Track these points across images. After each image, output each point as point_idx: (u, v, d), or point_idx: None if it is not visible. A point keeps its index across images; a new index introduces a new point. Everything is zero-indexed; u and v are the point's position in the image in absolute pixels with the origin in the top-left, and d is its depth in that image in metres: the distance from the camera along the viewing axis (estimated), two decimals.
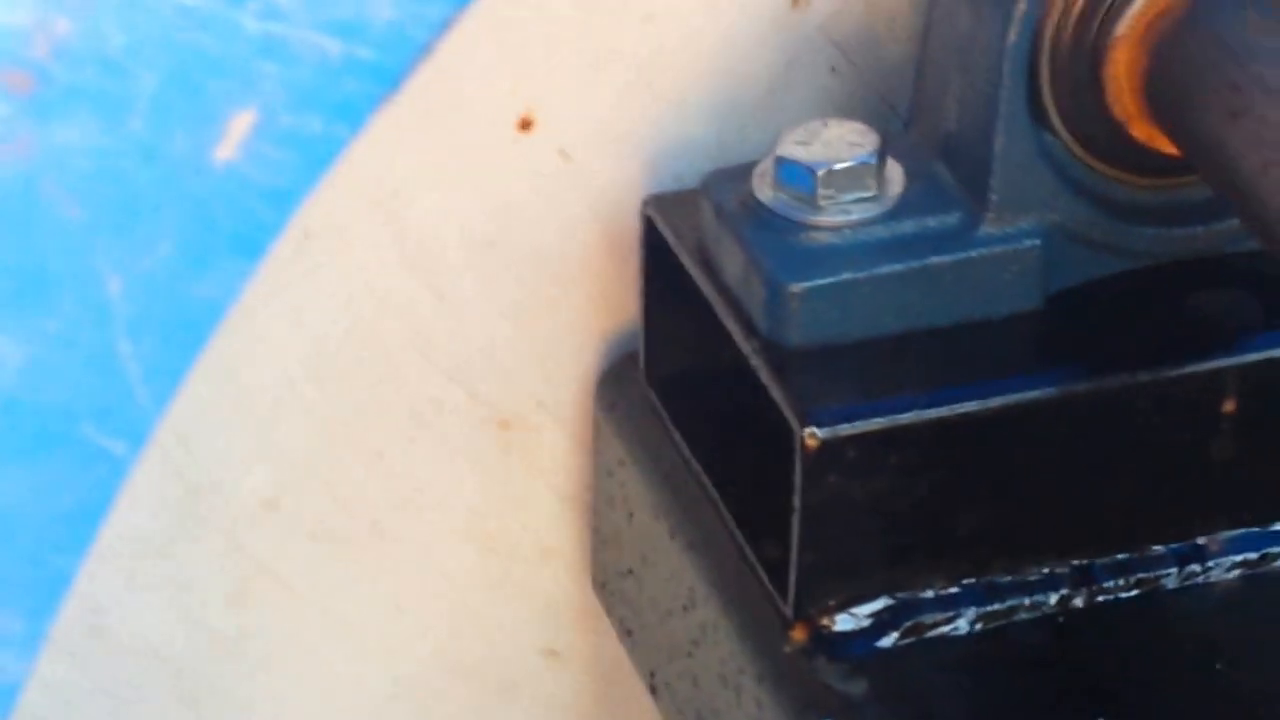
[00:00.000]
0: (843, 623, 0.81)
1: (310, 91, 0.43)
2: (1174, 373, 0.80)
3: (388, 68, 0.45)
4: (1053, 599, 0.82)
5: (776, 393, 0.78)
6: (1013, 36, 0.79)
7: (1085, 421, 0.81)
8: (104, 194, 0.40)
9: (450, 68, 0.87)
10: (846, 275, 0.79)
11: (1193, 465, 0.82)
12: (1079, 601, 0.82)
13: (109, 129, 0.40)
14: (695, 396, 0.91)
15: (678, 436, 0.89)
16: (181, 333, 0.42)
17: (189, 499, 0.92)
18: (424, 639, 1.02)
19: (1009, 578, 0.82)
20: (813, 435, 0.75)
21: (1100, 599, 0.83)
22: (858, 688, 0.79)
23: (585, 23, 0.89)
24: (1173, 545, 0.83)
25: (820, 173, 0.79)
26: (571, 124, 0.91)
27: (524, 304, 0.96)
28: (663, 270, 0.88)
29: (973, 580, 0.82)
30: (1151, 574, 0.83)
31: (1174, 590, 0.83)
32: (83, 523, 0.43)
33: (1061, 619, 0.82)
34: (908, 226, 0.80)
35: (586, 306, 0.96)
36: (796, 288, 0.78)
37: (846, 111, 0.89)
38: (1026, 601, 0.82)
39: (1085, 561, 0.83)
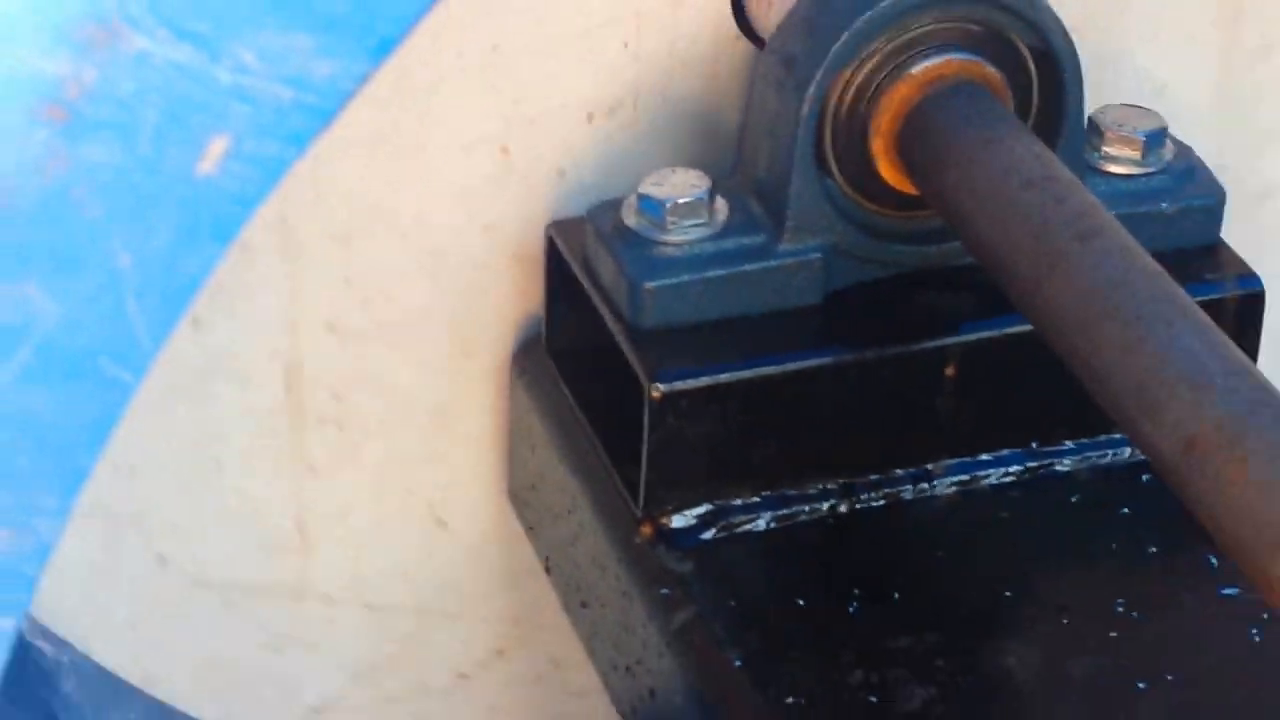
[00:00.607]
0: (676, 522, 0.79)
1: (268, 125, 0.41)
2: (911, 348, 0.80)
3: (325, 109, 0.41)
4: (825, 506, 0.80)
5: (634, 360, 0.78)
6: (804, 113, 0.76)
7: (848, 381, 0.79)
8: (119, 196, 0.42)
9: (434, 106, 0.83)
10: (685, 278, 0.78)
11: (923, 413, 0.80)
12: (843, 509, 0.80)
13: (122, 150, 0.42)
14: (581, 364, 0.86)
15: (567, 391, 0.86)
16: (174, 296, 0.42)
17: None
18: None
19: (794, 491, 0.80)
20: (657, 389, 0.75)
21: (858, 506, 0.80)
22: (686, 567, 0.78)
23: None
24: (909, 469, 0.81)
25: (668, 205, 0.77)
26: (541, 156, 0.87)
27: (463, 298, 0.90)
28: (560, 274, 0.85)
29: (769, 492, 0.79)
30: (894, 490, 0.81)
31: (910, 501, 0.81)
32: (99, 431, 0.42)
33: (831, 520, 0.79)
34: (729, 244, 0.79)
35: (507, 299, 0.89)
36: (649, 286, 0.77)
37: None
38: (806, 509, 0.79)
39: (848, 480, 0.80)
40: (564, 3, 0.81)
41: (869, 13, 0.70)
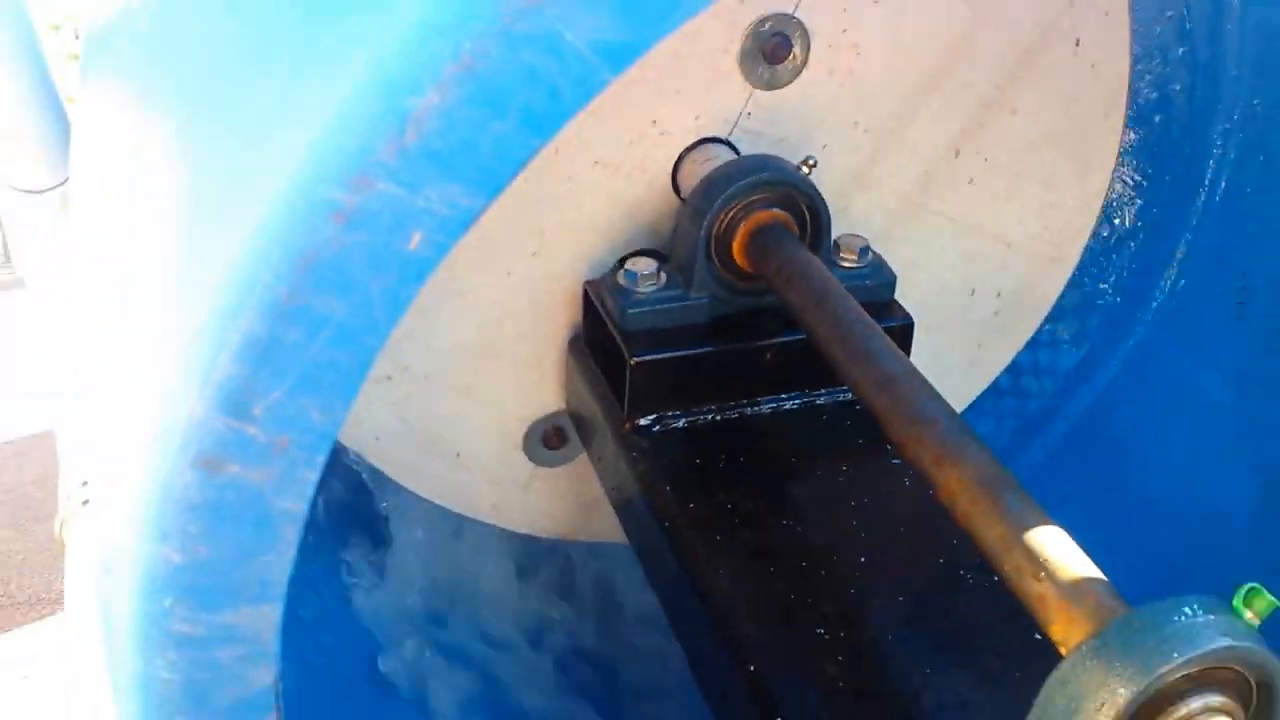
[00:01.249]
0: (642, 422, 1.10)
1: (439, 227, 0.55)
2: (750, 344, 1.11)
3: (465, 221, 0.55)
4: (708, 416, 1.11)
5: (621, 346, 1.08)
6: (702, 232, 1.08)
7: (719, 359, 1.10)
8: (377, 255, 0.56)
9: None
10: (645, 308, 1.09)
11: (754, 374, 1.11)
12: (717, 417, 1.11)
13: (375, 236, 0.55)
14: (599, 349, 1.14)
15: (592, 363, 1.16)
16: (397, 302, 0.57)
17: None
18: None
19: (695, 408, 1.11)
20: (632, 361, 1.07)
21: (722, 416, 1.11)
22: (645, 443, 1.09)
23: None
24: (747, 400, 1.12)
25: (638, 274, 1.11)
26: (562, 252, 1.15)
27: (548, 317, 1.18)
28: (589, 305, 1.14)
29: (683, 410, 1.10)
30: (740, 409, 1.11)
31: (747, 415, 1.12)
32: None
33: (711, 422, 1.11)
34: (665, 293, 1.10)
35: (564, 317, 1.18)
36: (629, 311, 1.09)
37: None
38: (700, 417, 1.11)
39: (719, 404, 1.11)
40: (598, 194, 1.11)
41: (730, 189, 1.04)
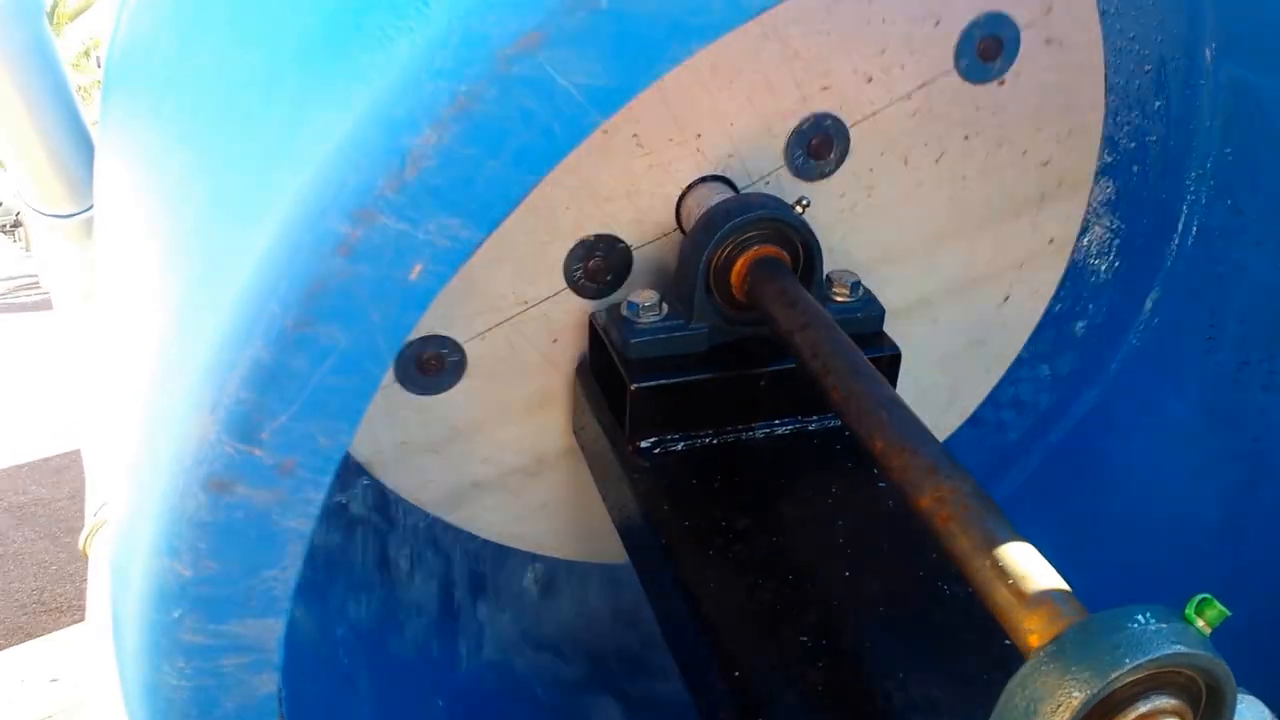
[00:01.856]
0: (642, 444, 1.09)
1: (438, 258, 0.54)
2: (745, 371, 1.09)
3: (463, 252, 0.54)
4: (705, 440, 1.09)
5: (623, 372, 1.07)
6: (702, 265, 1.05)
7: (716, 386, 1.08)
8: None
9: None
10: (646, 338, 1.08)
11: (749, 400, 1.10)
12: (714, 441, 1.10)
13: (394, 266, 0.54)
14: (603, 375, 1.14)
15: (595, 387, 1.15)
16: (399, 329, 0.56)
17: None
18: None
19: (692, 432, 1.09)
20: (633, 387, 1.06)
21: (718, 440, 1.10)
22: (645, 464, 1.08)
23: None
24: (742, 425, 1.11)
25: (640, 305, 1.10)
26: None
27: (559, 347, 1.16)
28: (594, 335, 1.14)
29: (681, 433, 1.08)
30: (736, 434, 1.10)
31: (743, 439, 1.10)
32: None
33: (708, 445, 1.09)
34: (667, 323, 1.09)
35: (574, 346, 1.17)
36: (631, 341, 1.08)
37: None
38: (697, 440, 1.09)
39: (715, 429, 1.10)
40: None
41: (727, 226, 1.03)
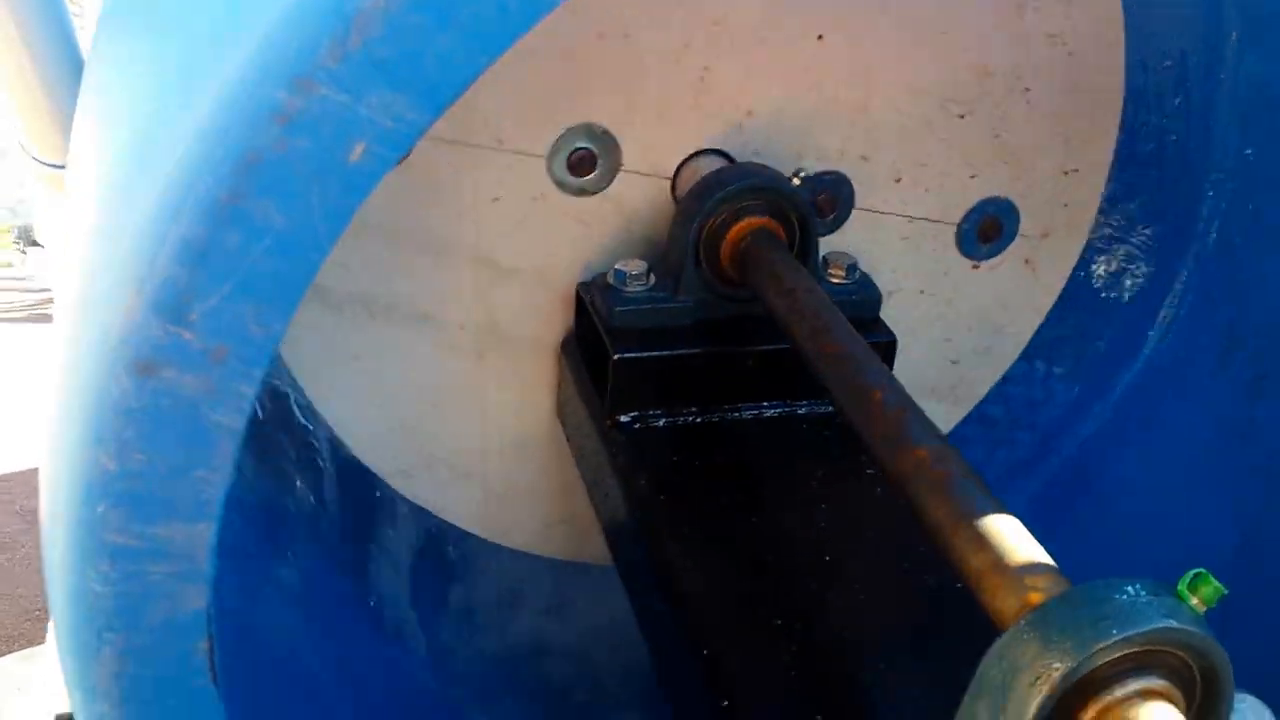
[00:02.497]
0: (622, 419, 1.06)
1: (382, 139, 0.53)
2: (732, 349, 1.07)
3: (411, 134, 0.53)
4: (688, 418, 1.07)
5: (607, 342, 1.05)
6: (691, 236, 1.04)
7: (701, 361, 1.06)
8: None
9: None
10: (632, 307, 1.07)
11: (736, 380, 1.07)
12: (698, 419, 1.07)
13: (319, 145, 0.53)
14: (587, 345, 1.13)
15: (578, 358, 1.13)
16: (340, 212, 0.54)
17: None
18: None
19: (676, 408, 1.07)
20: (615, 357, 1.04)
21: (703, 419, 1.07)
22: (623, 438, 1.05)
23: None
24: (729, 405, 1.08)
25: (627, 274, 1.08)
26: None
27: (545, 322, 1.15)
28: (580, 306, 1.12)
29: (664, 409, 1.06)
30: (722, 414, 1.08)
31: (729, 420, 1.08)
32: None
33: (691, 423, 1.07)
34: (653, 294, 1.08)
35: (560, 319, 1.16)
36: (617, 309, 1.07)
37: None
38: (680, 418, 1.07)
39: (700, 407, 1.07)
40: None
41: (721, 193, 1.02)
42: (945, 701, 0.77)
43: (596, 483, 1.07)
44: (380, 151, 0.55)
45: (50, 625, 1.43)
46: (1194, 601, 0.61)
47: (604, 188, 1.09)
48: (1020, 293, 1.29)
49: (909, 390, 0.83)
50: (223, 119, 0.54)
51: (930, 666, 0.81)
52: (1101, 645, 0.57)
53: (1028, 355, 1.33)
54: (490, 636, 1.25)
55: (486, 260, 1.10)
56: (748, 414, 1.08)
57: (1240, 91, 1.14)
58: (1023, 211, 1.24)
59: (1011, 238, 1.25)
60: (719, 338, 1.07)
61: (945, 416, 1.34)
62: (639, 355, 1.04)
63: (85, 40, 1.22)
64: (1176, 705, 0.59)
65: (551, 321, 1.15)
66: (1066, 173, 1.23)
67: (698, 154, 1.10)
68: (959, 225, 1.22)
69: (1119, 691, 0.58)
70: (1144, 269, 1.29)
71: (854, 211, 1.16)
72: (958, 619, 0.85)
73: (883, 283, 1.16)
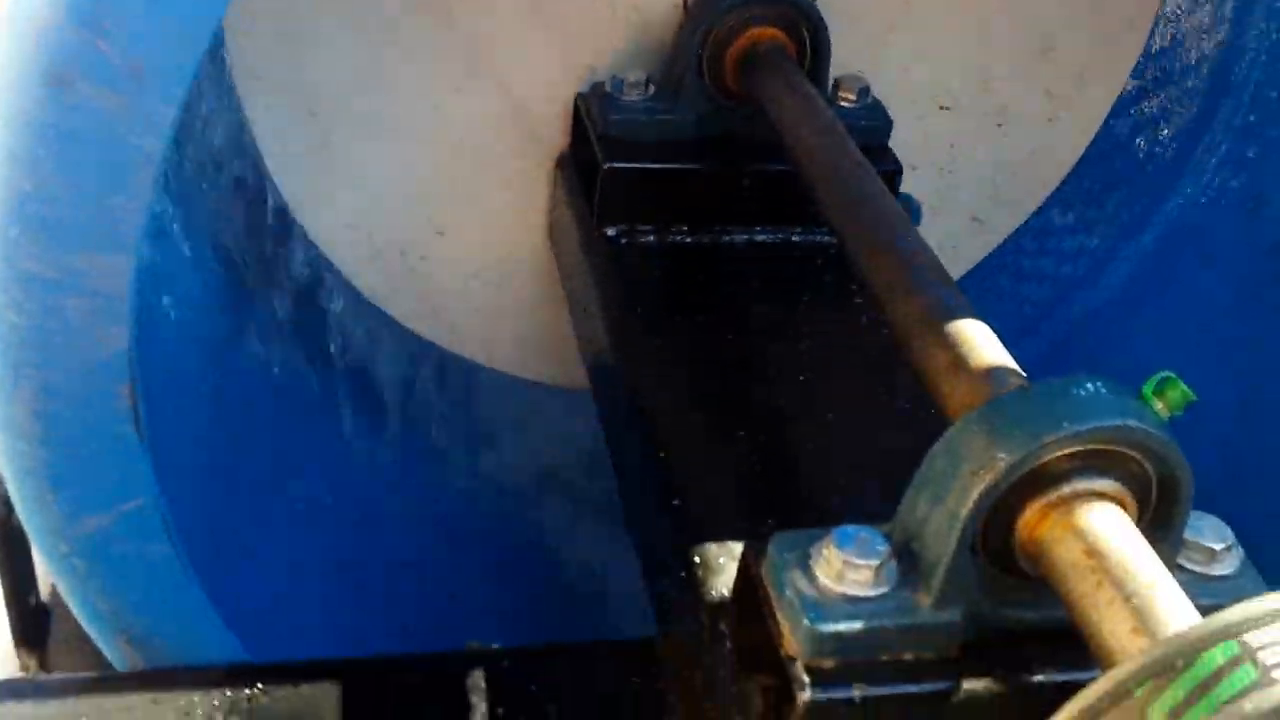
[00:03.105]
0: (609, 232, 1.04)
1: None
2: (734, 168, 1.04)
3: None
4: (678, 237, 1.04)
5: (598, 149, 1.03)
6: (696, 38, 1.00)
7: (704, 175, 1.04)
8: None
9: None
10: (627, 116, 1.03)
11: (730, 202, 1.04)
12: (689, 240, 1.04)
13: None
14: (581, 156, 1.09)
15: (572, 171, 1.10)
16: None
17: None
18: None
19: (665, 226, 1.04)
20: (605, 168, 1.01)
21: (693, 240, 1.04)
22: (608, 249, 1.02)
23: None
24: (721, 228, 1.05)
25: (625, 80, 1.03)
26: None
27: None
28: (578, 117, 1.08)
29: (652, 226, 1.03)
30: (714, 235, 1.05)
31: (720, 242, 1.05)
32: None
33: (681, 242, 1.04)
34: (651, 105, 1.04)
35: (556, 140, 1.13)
36: (612, 118, 1.02)
37: None
38: (670, 236, 1.04)
39: (691, 227, 1.04)
40: None
41: (728, 1, 0.99)
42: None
43: (578, 297, 1.05)
44: None
45: None
46: (1158, 405, 0.59)
47: None
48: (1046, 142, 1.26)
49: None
50: None
51: (890, 486, 0.79)
52: (1050, 439, 0.55)
53: (1048, 207, 1.29)
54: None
55: (485, 65, 1.08)
56: (739, 238, 1.05)
57: None
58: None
59: None
60: (715, 155, 1.04)
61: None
62: (630, 166, 1.02)
63: None
64: (1127, 511, 0.56)
65: (551, 133, 1.12)
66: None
67: None
68: None
69: (1065, 489, 0.56)
70: (1175, 125, 1.24)
71: None
72: (926, 446, 0.83)
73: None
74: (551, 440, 1.27)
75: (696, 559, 0.70)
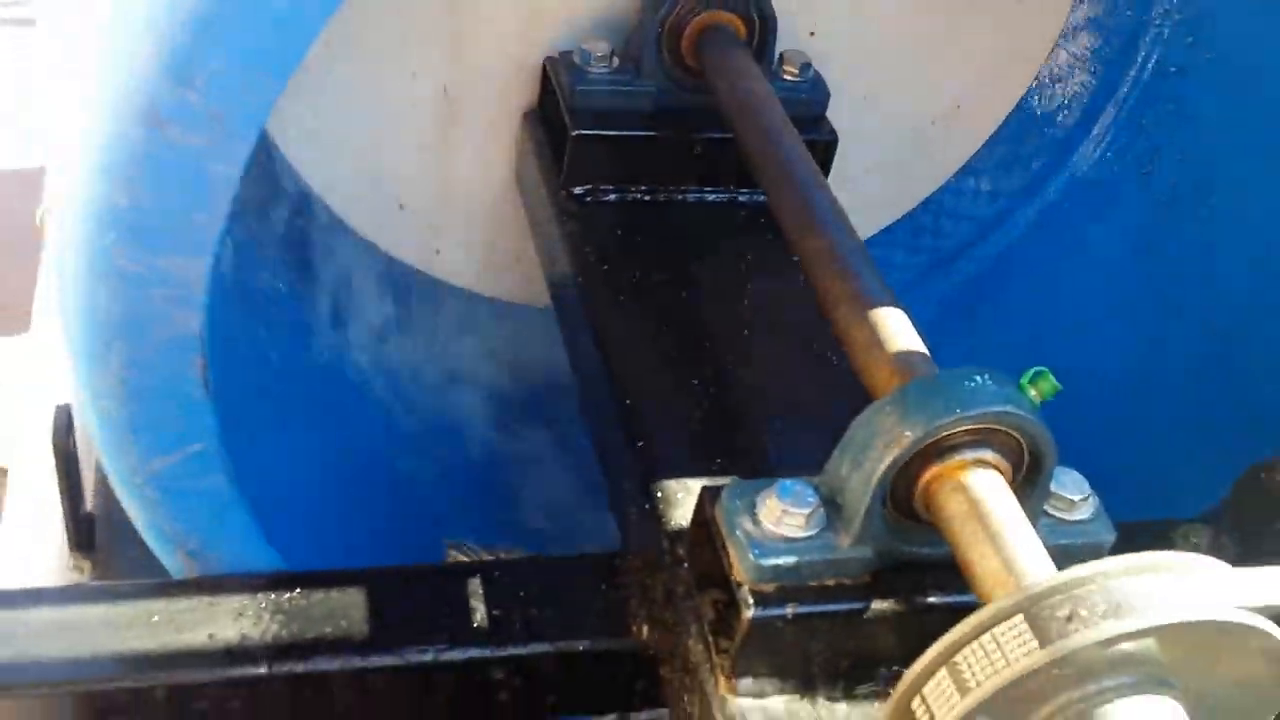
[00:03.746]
0: (576, 190, 1.16)
1: None
2: (688, 136, 1.15)
3: None
4: (638, 195, 1.17)
5: (568, 118, 1.13)
6: (655, 22, 1.11)
7: (661, 142, 1.15)
8: None
9: None
10: (594, 87, 1.14)
11: (682, 163, 1.16)
12: (646, 198, 1.17)
13: None
14: (549, 118, 1.20)
15: (540, 129, 1.21)
16: None
17: None
18: None
19: (625, 186, 1.16)
20: (573, 133, 1.12)
21: (651, 198, 1.17)
22: (575, 208, 1.15)
23: None
24: (676, 187, 1.17)
25: (592, 53, 1.13)
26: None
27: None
28: (546, 79, 1.19)
29: (614, 185, 1.15)
30: (668, 194, 1.18)
31: (676, 200, 1.18)
32: None
33: (640, 199, 1.16)
34: (616, 77, 1.16)
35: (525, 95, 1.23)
36: (579, 89, 1.13)
37: None
38: (629, 194, 1.17)
39: (649, 186, 1.16)
40: None
41: None
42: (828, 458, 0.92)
43: (546, 248, 1.17)
44: None
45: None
46: (1032, 394, 0.75)
47: None
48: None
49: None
50: None
51: (823, 429, 0.95)
52: (944, 421, 0.71)
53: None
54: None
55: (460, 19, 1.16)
56: (691, 198, 1.18)
57: None
58: None
59: None
60: (672, 124, 1.15)
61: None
62: (595, 133, 1.13)
63: None
64: (1004, 475, 0.73)
65: (519, 90, 1.22)
66: None
67: None
68: None
69: (955, 459, 0.72)
70: (1083, 85, 1.38)
71: None
72: (855, 395, 0.99)
73: None
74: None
75: (659, 494, 0.86)
